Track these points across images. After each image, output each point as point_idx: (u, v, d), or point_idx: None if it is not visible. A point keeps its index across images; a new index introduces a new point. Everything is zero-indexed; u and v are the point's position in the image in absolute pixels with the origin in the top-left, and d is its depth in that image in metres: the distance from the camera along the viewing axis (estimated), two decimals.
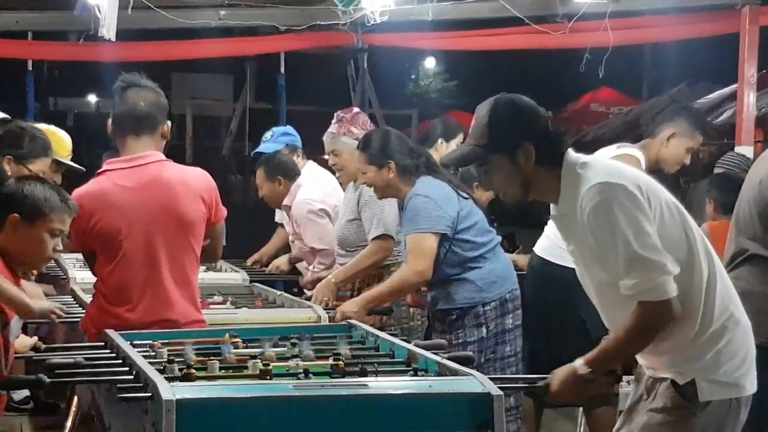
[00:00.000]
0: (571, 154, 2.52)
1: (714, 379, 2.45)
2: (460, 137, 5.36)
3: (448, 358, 2.63)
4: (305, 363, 2.57)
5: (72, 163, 4.30)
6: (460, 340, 3.84)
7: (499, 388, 2.25)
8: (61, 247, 2.82)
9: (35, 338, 3.13)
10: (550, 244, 4.24)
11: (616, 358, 2.50)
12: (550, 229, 4.38)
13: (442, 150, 5.22)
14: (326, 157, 4.66)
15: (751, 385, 2.51)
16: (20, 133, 3.76)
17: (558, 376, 2.48)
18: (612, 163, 2.52)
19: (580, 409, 4.84)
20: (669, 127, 4.07)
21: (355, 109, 4.80)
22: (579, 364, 2.46)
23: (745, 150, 6.25)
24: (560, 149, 2.52)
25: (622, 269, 2.38)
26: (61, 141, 4.31)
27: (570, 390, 2.46)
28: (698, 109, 4.75)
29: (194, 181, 3.19)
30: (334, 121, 4.60)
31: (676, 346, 2.47)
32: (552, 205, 2.58)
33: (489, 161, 2.54)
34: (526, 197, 2.55)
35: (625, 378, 2.66)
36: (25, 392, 4.46)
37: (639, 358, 2.62)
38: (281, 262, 5.20)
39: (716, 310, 2.46)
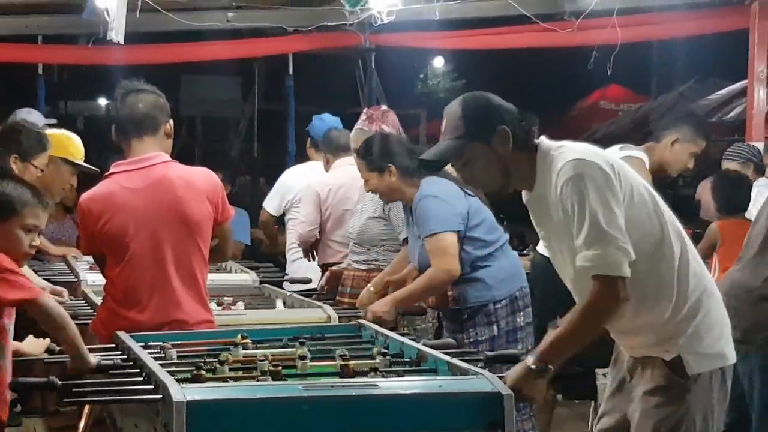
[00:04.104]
0: (545, 140, 2.58)
1: (699, 352, 2.51)
2: None
3: (494, 357, 2.68)
4: (315, 363, 2.58)
5: (88, 165, 4.35)
6: (471, 339, 3.84)
7: None
8: (38, 243, 2.85)
9: (47, 340, 3.14)
10: None
11: (568, 344, 2.48)
12: None
13: None
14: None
15: (731, 355, 2.58)
16: (21, 130, 3.84)
17: (512, 373, 2.48)
18: (587, 145, 2.57)
19: (592, 407, 4.83)
20: (673, 133, 4.20)
21: (383, 107, 4.85)
22: (529, 358, 2.47)
23: (756, 146, 6.22)
24: (532, 136, 2.57)
25: (583, 242, 2.42)
26: (75, 144, 4.36)
27: (524, 385, 2.45)
28: (700, 115, 4.86)
29: (199, 182, 3.21)
30: (363, 118, 4.64)
31: (655, 324, 2.52)
32: (524, 192, 2.62)
33: (467, 152, 2.57)
34: (507, 185, 2.59)
35: (600, 371, 2.67)
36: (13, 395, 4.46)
37: (618, 339, 2.66)
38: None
39: (690, 286, 2.52)
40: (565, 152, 2.50)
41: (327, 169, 5.12)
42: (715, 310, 2.57)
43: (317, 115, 5.58)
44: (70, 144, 4.31)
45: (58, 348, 3.07)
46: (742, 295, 3.57)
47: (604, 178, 2.43)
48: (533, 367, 2.44)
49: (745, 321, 3.52)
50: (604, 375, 2.65)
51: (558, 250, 2.59)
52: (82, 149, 4.39)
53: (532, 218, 2.65)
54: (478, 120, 2.55)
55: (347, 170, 4.79)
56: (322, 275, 4.86)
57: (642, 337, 2.56)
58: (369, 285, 4.19)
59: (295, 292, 4.32)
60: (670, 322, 2.51)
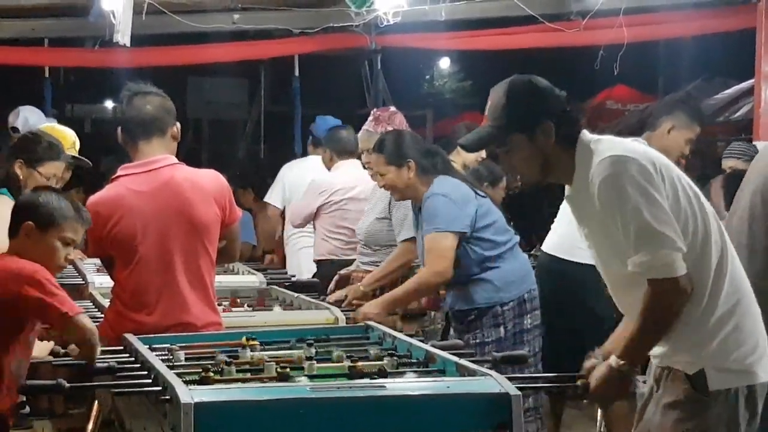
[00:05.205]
0: (586, 133, 2.49)
1: (724, 367, 2.40)
2: None
3: (503, 358, 2.67)
4: (322, 365, 2.57)
5: (77, 156, 4.34)
6: (478, 340, 3.84)
7: (531, 388, 2.25)
8: (73, 256, 2.87)
9: (51, 343, 3.15)
10: (559, 241, 4.25)
11: (645, 344, 2.44)
12: (559, 225, 4.39)
13: (463, 152, 5.24)
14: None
15: (764, 373, 2.43)
16: (33, 138, 3.87)
17: (596, 374, 2.45)
18: (625, 141, 2.48)
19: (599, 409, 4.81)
20: (668, 121, 4.23)
21: (392, 108, 4.88)
22: (613, 359, 2.43)
23: (763, 145, 6.20)
24: (577, 129, 2.48)
25: (632, 244, 2.33)
26: (63, 135, 4.36)
27: (611, 386, 2.42)
28: (695, 101, 4.88)
29: (206, 184, 3.21)
30: (370, 119, 4.67)
31: (681, 330, 2.41)
32: (567, 187, 2.54)
33: (508, 141, 2.48)
34: (544, 179, 2.51)
35: (641, 378, 2.63)
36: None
37: None
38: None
39: (723, 294, 2.40)
40: (603, 147, 2.40)
41: (329, 167, 5.17)
42: (750, 324, 2.43)
43: (320, 116, 5.87)
44: (54, 135, 4.30)
45: (62, 350, 3.07)
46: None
47: (643, 172, 2.33)
48: (615, 366, 2.40)
49: None
50: (644, 382, 2.59)
51: (597, 252, 2.50)
52: (72, 140, 4.39)
53: (573, 216, 2.55)
54: (522, 111, 2.45)
55: (353, 173, 4.88)
56: (317, 270, 4.98)
57: (668, 343, 2.45)
58: (359, 284, 4.21)
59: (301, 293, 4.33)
60: (696, 331, 2.40)
